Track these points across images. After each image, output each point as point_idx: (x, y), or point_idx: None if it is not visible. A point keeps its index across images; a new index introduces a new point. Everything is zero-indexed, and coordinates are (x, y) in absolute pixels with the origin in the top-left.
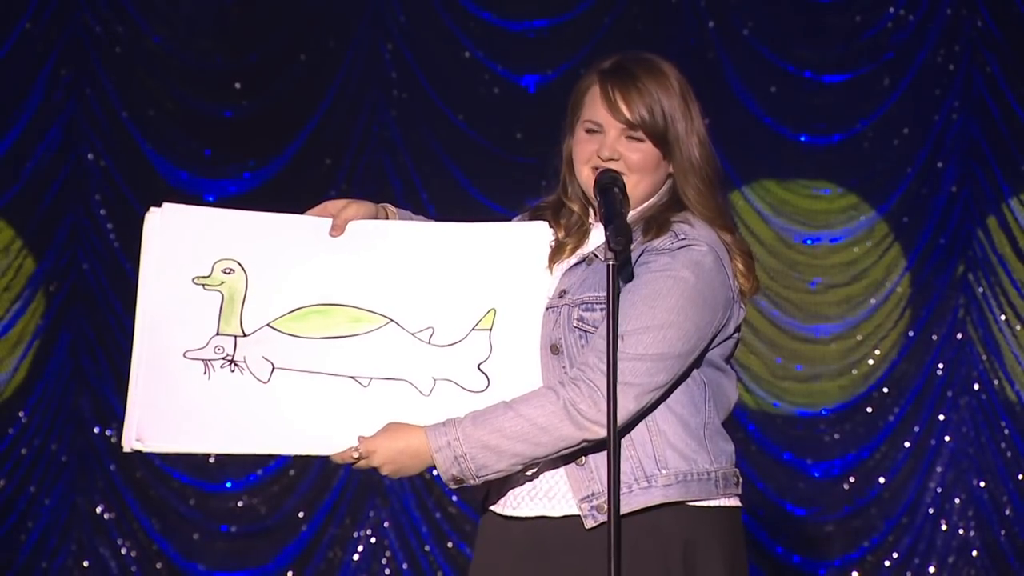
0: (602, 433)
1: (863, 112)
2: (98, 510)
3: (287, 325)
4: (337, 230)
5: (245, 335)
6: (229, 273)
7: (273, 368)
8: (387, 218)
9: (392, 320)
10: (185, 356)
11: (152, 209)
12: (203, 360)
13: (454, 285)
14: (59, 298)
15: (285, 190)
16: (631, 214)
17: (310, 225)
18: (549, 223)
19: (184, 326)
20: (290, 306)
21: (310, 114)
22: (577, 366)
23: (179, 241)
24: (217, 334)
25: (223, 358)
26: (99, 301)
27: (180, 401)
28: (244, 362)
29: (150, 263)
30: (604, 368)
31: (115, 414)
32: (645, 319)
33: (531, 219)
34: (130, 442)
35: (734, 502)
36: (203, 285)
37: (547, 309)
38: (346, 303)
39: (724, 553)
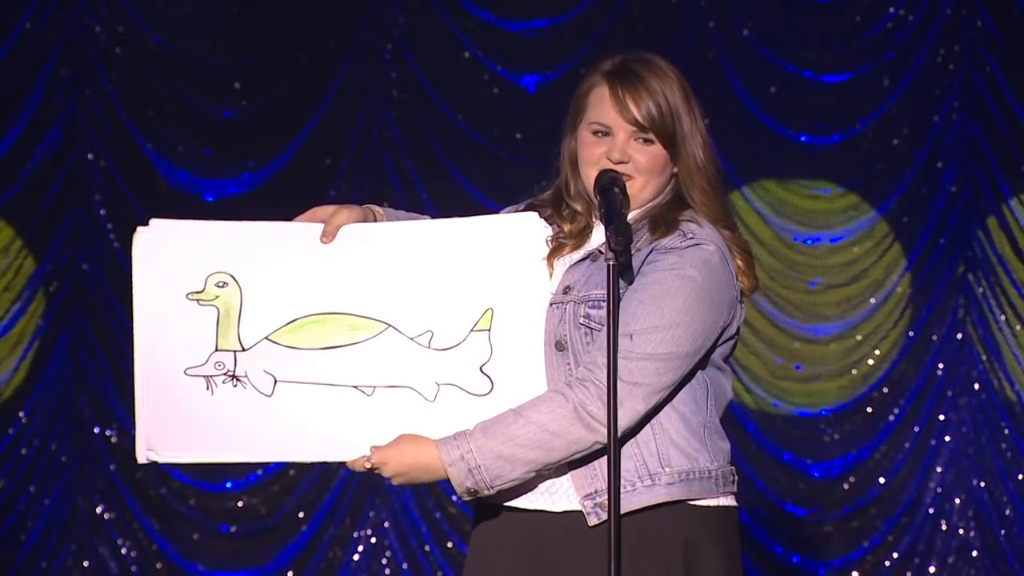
0: None
1: (863, 112)
2: (98, 510)
3: (285, 337)
4: (328, 236)
5: (244, 349)
6: (223, 287)
7: (276, 381)
8: (375, 217)
9: (390, 325)
10: (186, 373)
11: (139, 228)
12: (204, 376)
13: (448, 286)
14: (59, 298)
15: (285, 190)
16: (636, 213)
17: (301, 232)
18: (549, 219)
19: (182, 344)
20: (287, 318)
21: (310, 114)
22: (584, 365)
23: (170, 257)
24: (216, 350)
25: (224, 374)
26: (99, 301)
27: (187, 416)
28: (246, 377)
29: (143, 281)
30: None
31: (115, 414)
32: (654, 318)
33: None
34: (144, 454)
35: (731, 501)
36: (197, 300)
37: (551, 305)
38: (342, 311)
39: (722, 553)
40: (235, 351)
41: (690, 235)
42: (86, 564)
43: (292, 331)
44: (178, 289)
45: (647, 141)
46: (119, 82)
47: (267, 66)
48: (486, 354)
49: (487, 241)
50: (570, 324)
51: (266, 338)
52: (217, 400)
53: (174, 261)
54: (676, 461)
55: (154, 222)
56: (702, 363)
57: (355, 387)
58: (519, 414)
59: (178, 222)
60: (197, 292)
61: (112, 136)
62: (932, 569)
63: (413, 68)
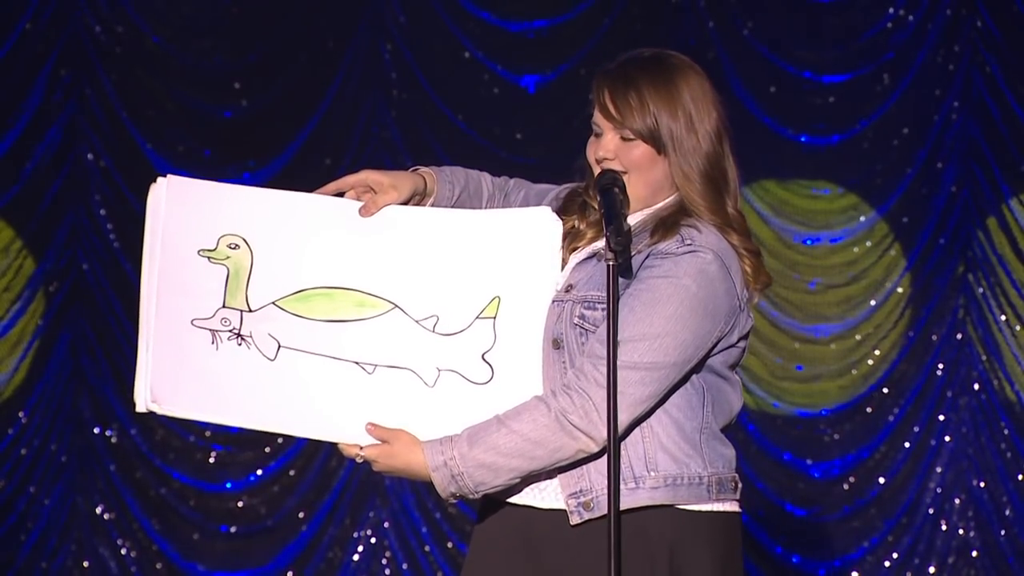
0: (593, 446)
1: (863, 112)
2: (98, 510)
3: (292, 305)
4: (367, 211)
5: (251, 311)
6: (234, 248)
7: (279, 346)
8: (425, 185)
9: (397, 306)
10: (193, 324)
11: (159, 179)
12: (210, 330)
13: (459, 272)
14: (59, 298)
15: (285, 190)
16: (642, 215)
17: (317, 205)
18: (575, 212)
19: (190, 295)
20: (295, 287)
21: (310, 114)
22: (573, 371)
23: (184, 214)
24: (223, 307)
25: (230, 331)
26: (99, 301)
27: (191, 367)
28: (251, 337)
29: (155, 233)
30: (597, 376)
31: (115, 414)
32: (642, 327)
33: (566, 200)
34: (145, 402)
35: (729, 506)
36: (208, 258)
37: (553, 302)
38: (351, 287)
39: (714, 556)
40: (242, 311)
41: (688, 241)
42: (86, 564)
43: (299, 300)
44: (189, 244)
45: (631, 138)
46: (119, 82)
47: (267, 66)
48: (489, 342)
49: (500, 233)
50: (567, 323)
51: (273, 303)
52: (221, 356)
53: (188, 218)
54: (663, 465)
55: (171, 177)
56: (697, 368)
57: (356, 363)
58: (502, 423)
59: (195, 181)
60: (208, 250)
61: (112, 136)
62: (932, 569)
63: (413, 68)
